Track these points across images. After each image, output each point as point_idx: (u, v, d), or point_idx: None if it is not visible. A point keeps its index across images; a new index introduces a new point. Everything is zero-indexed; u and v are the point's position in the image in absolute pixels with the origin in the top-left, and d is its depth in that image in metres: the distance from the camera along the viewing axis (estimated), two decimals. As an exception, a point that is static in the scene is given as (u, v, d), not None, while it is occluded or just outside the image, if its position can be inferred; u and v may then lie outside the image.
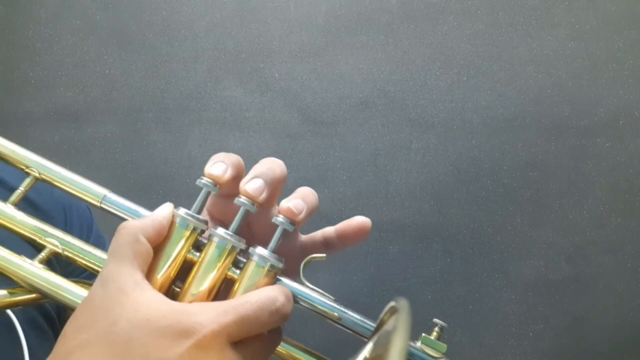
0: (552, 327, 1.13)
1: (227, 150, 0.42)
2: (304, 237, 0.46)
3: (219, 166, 0.40)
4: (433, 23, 1.19)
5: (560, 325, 1.13)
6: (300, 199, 0.41)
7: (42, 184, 0.53)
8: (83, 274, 0.54)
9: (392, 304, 0.36)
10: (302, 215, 0.40)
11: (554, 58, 1.16)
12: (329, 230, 0.45)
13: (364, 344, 0.38)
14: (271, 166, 0.41)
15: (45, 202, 0.54)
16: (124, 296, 0.34)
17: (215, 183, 0.40)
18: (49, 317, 0.53)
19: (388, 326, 0.35)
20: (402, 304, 0.33)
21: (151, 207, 0.43)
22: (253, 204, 0.39)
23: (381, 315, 0.38)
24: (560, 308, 1.13)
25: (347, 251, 0.47)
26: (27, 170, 0.44)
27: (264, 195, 0.39)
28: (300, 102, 1.20)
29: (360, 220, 0.44)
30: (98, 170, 1.21)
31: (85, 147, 1.22)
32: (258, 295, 0.36)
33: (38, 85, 1.24)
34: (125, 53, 1.24)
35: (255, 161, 0.42)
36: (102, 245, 0.62)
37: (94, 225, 0.62)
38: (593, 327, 1.12)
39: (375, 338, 0.37)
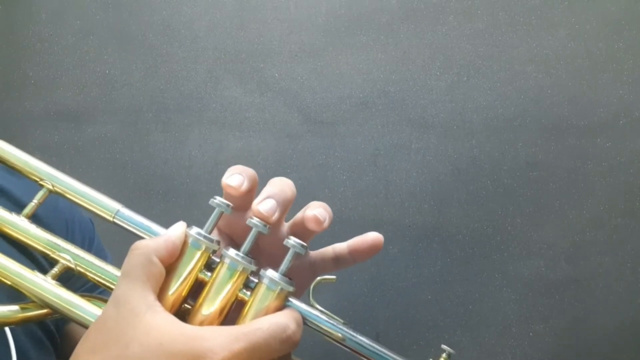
0: (552, 327, 1.13)
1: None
2: (313, 253, 0.46)
3: (237, 178, 0.40)
4: (433, 23, 1.19)
5: (560, 325, 1.13)
6: (322, 209, 0.42)
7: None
8: (85, 286, 0.54)
9: None
10: (326, 224, 0.42)
11: (554, 58, 1.16)
12: (341, 247, 0.46)
13: None
14: (282, 187, 0.41)
15: (49, 215, 0.54)
16: (137, 319, 0.34)
17: (231, 196, 0.40)
18: (48, 330, 0.53)
19: None
20: None
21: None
22: (265, 226, 0.40)
23: None
24: (560, 308, 1.13)
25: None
26: (40, 182, 0.44)
27: (276, 216, 0.40)
28: (300, 102, 1.20)
29: (373, 237, 0.45)
30: (98, 170, 1.21)
31: (85, 147, 1.22)
32: (269, 322, 0.36)
33: (38, 85, 1.24)
34: (125, 53, 1.24)
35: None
36: (104, 259, 0.62)
37: (95, 239, 0.62)
38: (593, 327, 1.12)
39: None
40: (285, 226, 0.45)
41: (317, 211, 0.41)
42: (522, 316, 1.13)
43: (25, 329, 0.49)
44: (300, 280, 0.42)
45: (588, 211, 1.14)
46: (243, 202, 0.42)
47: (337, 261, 0.46)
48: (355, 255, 0.45)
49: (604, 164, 1.14)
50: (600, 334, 1.12)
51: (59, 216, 0.57)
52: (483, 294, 1.14)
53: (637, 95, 1.14)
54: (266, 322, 0.36)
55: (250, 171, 0.41)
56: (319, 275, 0.44)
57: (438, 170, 1.17)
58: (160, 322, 0.34)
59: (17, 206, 0.45)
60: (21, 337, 0.48)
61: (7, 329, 0.47)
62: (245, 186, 0.40)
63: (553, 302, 1.13)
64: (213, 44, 1.23)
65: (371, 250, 0.45)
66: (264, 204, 0.39)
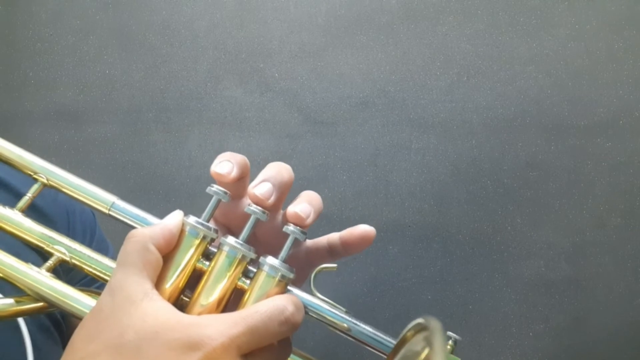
0: (552, 327, 1.13)
1: (227, 150, 0.42)
2: (308, 242, 0.46)
3: (226, 165, 0.40)
4: (433, 23, 1.19)
5: (560, 325, 1.13)
6: (306, 203, 0.41)
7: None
8: (83, 280, 0.54)
9: (419, 320, 0.34)
10: (309, 220, 0.40)
11: (554, 58, 1.16)
12: (334, 237, 0.45)
13: None
14: (279, 170, 0.41)
15: (49, 206, 0.54)
16: (132, 306, 0.34)
17: (223, 184, 0.40)
18: (56, 320, 0.53)
19: (415, 346, 0.34)
20: (434, 324, 0.32)
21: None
22: (264, 213, 0.39)
23: (404, 332, 0.37)
24: (560, 308, 1.13)
25: (347, 251, 0.47)
26: (35, 176, 0.44)
27: (272, 199, 0.39)
28: (300, 102, 1.20)
29: (363, 229, 0.44)
30: (98, 170, 1.21)
31: (85, 147, 1.22)
32: (267, 304, 0.35)
33: (38, 85, 1.24)
34: (125, 53, 1.24)
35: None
36: (106, 250, 0.61)
37: (97, 230, 0.62)
38: (593, 327, 1.12)
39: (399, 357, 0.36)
40: (282, 213, 0.44)
41: (298, 207, 0.40)
42: (522, 316, 1.13)
43: (32, 316, 0.48)
44: (296, 269, 0.41)
45: (588, 211, 1.14)
46: (237, 189, 0.42)
47: (331, 251, 0.45)
48: (346, 247, 0.44)
49: (604, 164, 1.14)
50: (600, 334, 1.12)
51: (60, 208, 0.56)
52: (483, 294, 1.14)
53: (637, 95, 1.14)
54: (264, 304, 0.35)
55: (239, 157, 0.41)
56: (314, 265, 0.43)
57: (438, 170, 1.17)
58: (156, 310, 0.34)
59: (17, 198, 0.45)
60: (30, 326, 0.48)
61: (20, 321, 0.47)
62: (235, 173, 0.40)
63: (553, 302, 1.13)
64: (213, 44, 1.22)
65: (361, 243, 0.44)
66: (260, 187, 0.39)
